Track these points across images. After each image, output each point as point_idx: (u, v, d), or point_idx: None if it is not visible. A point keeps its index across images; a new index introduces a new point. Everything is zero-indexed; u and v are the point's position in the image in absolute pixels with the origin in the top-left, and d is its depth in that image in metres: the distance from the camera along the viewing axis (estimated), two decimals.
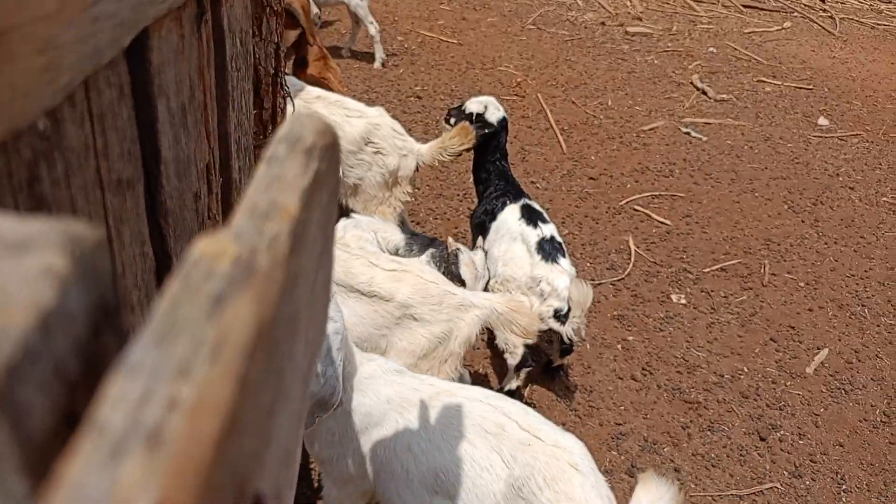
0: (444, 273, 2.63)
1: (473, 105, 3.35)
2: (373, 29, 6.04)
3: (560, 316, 2.81)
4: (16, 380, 0.22)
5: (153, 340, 0.24)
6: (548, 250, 2.90)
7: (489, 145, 3.29)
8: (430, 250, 2.85)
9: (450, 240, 2.90)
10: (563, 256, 2.93)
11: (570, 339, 2.79)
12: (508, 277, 2.89)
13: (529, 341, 2.81)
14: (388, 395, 1.83)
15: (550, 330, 2.92)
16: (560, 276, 2.83)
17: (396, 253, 2.84)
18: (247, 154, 0.68)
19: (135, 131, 0.46)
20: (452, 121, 3.41)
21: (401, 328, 2.29)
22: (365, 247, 2.53)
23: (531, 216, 3.04)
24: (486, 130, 3.25)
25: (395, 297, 2.27)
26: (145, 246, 0.50)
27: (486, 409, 1.83)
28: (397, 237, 2.86)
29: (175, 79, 0.49)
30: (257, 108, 0.73)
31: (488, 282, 2.99)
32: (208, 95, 0.57)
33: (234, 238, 0.29)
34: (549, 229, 2.99)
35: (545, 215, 3.13)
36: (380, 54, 6.16)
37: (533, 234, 2.94)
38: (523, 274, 2.85)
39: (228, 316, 0.26)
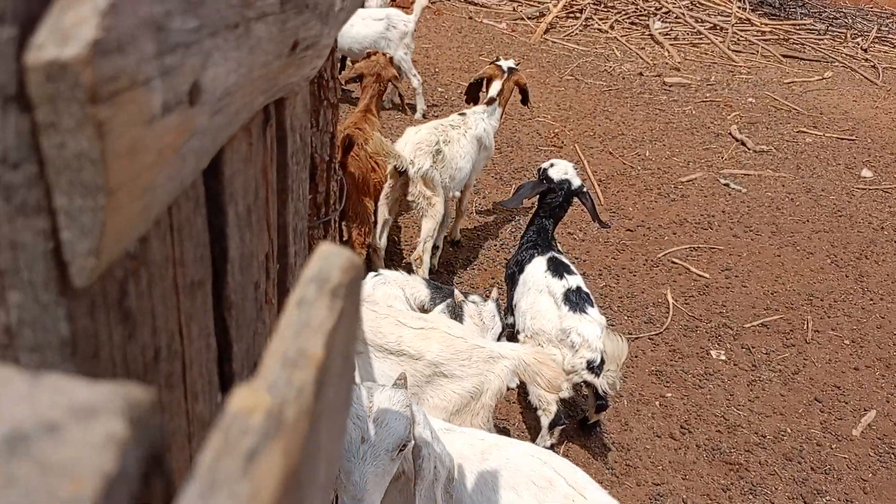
0: None
1: (546, 163, 3.56)
2: (415, 81, 6.20)
3: (594, 367, 2.78)
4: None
5: (198, 496, 0.27)
6: (575, 301, 2.90)
7: (544, 202, 3.39)
8: (447, 300, 2.88)
9: (456, 292, 2.91)
10: (592, 306, 2.92)
11: (604, 393, 2.76)
12: (538, 331, 2.89)
13: (557, 396, 2.80)
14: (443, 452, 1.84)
15: (585, 384, 2.90)
16: (590, 326, 2.82)
17: (423, 308, 2.87)
18: (302, 238, 0.72)
19: (206, 237, 0.50)
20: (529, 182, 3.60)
21: (432, 386, 2.30)
22: (393, 304, 2.56)
23: (557, 268, 3.05)
24: (545, 189, 3.39)
25: (425, 356, 2.29)
26: (210, 338, 0.54)
27: (536, 463, 1.85)
28: (423, 292, 2.90)
29: (243, 184, 0.54)
30: (312, 192, 0.77)
31: (502, 333, 2.99)
32: (270, 191, 0.61)
33: (266, 390, 0.32)
34: (575, 280, 3.00)
35: (572, 267, 3.13)
36: (421, 105, 6.30)
37: (559, 286, 2.94)
38: (552, 327, 2.84)
39: (260, 470, 0.29)
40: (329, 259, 0.41)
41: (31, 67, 0.29)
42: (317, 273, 0.40)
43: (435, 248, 3.90)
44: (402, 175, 3.61)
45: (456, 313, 2.83)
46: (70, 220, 0.32)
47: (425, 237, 3.69)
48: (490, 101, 4.24)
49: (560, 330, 2.81)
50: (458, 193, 4.16)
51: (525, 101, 4.50)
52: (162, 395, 0.47)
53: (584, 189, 3.43)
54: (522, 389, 3.34)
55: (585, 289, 3.03)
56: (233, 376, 0.61)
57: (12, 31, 0.30)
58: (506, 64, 4.43)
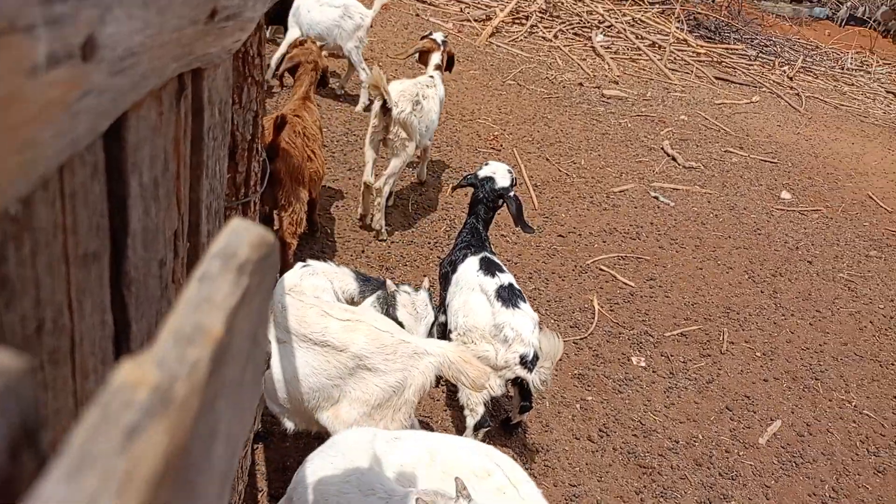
0: (385, 315, 2.64)
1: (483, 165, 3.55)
2: (363, 74, 6.13)
3: (526, 362, 2.80)
4: None
5: (65, 474, 0.25)
6: (507, 297, 2.92)
7: (473, 201, 3.39)
8: (378, 293, 2.86)
9: (388, 282, 2.90)
10: (524, 302, 2.95)
11: (536, 389, 2.77)
12: (470, 327, 2.89)
13: (484, 397, 2.82)
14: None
15: (511, 383, 2.91)
16: (523, 320, 2.84)
17: (352, 300, 2.84)
18: (217, 217, 0.69)
19: (105, 206, 0.47)
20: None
21: (354, 378, 2.28)
22: (320, 296, 2.52)
23: (489, 267, 3.07)
24: (468, 184, 3.39)
25: (349, 348, 2.26)
26: (105, 314, 0.51)
27: (481, 457, 1.92)
28: (352, 285, 2.86)
29: (150, 154, 0.51)
30: (231, 171, 0.74)
31: (434, 321, 2.99)
32: (181, 165, 0.58)
33: (156, 365, 0.30)
34: (507, 278, 3.02)
35: (503, 266, 3.16)
36: (363, 98, 6.23)
37: (491, 283, 2.96)
38: (485, 323, 2.85)
39: (140, 448, 0.27)
40: (238, 234, 0.39)
41: None
42: (223, 248, 0.38)
43: (390, 195, 4.57)
44: (385, 115, 4.20)
45: (388, 304, 2.81)
46: None
47: (392, 171, 4.36)
48: (437, 68, 4.91)
49: (493, 325, 2.82)
50: (428, 142, 4.80)
51: (450, 68, 5.21)
52: (45, 370, 0.43)
53: (512, 192, 3.42)
54: (450, 388, 3.35)
55: (517, 286, 3.06)
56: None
57: None
58: (439, 37, 5.14)
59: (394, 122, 4.21)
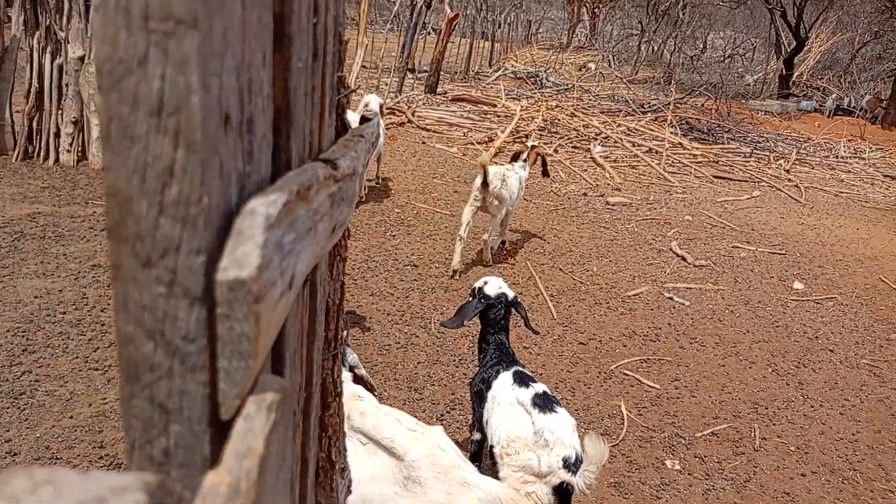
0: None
1: (480, 282, 3.66)
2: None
3: (569, 465, 2.82)
4: None
5: None
6: (543, 403, 3.01)
7: (488, 318, 3.52)
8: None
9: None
10: (560, 406, 3.04)
11: (581, 491, 2.79)
12: (513, 438, 2.96)
13: (540, 473, 2.85)
14: None
15: (554, 492, 2.92)
16: (561, 423, 2.91)
17: None
18: (319, 370, 0.86)
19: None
20: (470, 300, 3.66)
21: (406, 490, 2.36)
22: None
23: (522, 379, 3.19)
24: (486, 306, 3.50)
25: (408, 456, 2.37)
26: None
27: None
28: None
29: (293, 334, 0.70)
30: (325, 330, 0.92)
31: (491, 450, 3.07)
32: (304, 335, 0.76)
33: (227, 472, 0.47)
34: (540, 387, 3.13)
35: (535, 378, 3.28)
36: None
37: (526, 394, 3.07)
38: (526, 432, 2.93)
39: None
40: (262, 384, 0.57)
41: (220, 282, 0.45)
42: (256, 395, 0.55)
43: (494, 243, 6.46)
44: (484, 188, 6.00)
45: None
46: (227, 376, 0.48)
47: (493, 228, 6.29)
48: (517, 158, 6.85)
49: (533, 433, 2.90)
50: (511, 209, 6.43)
51: (545, 173, 7.11)
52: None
53: (518, 299, 3.62)
54: None
55: (551, 393, 3.16)
56: None
57: (203, 259, 0.46)
58: (530, 143, 7.71)
59: (489, 195, 6.06)
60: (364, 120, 6.60)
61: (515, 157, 6.86)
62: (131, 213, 0.45)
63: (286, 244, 0.51)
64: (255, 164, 0.55)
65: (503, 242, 6.85)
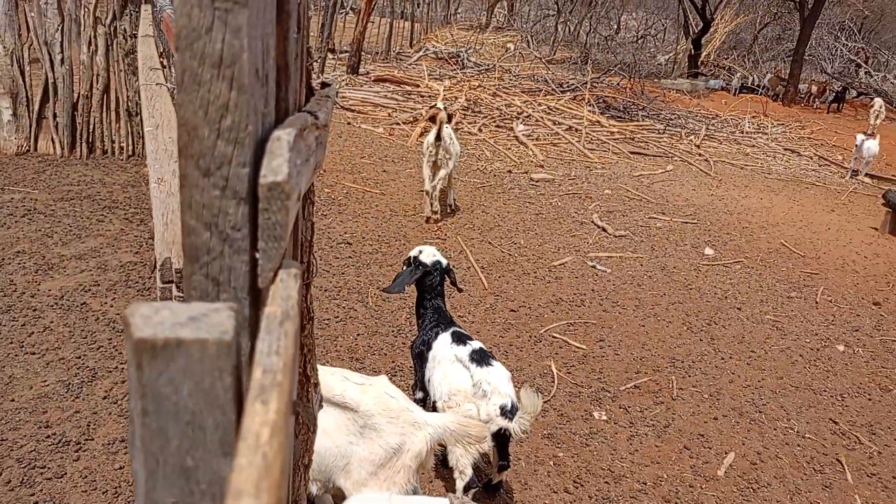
0: None
1: (414, 251, 3.81)
2: None
3: (506, 412, 3.07)
4: (241, 338, 0.56)
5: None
6: (479, 358, 3.24)
7: (425, 284, 3.69)
8: None
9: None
10: (495, 360, 3.27)
11: (517, 435, 3.03)
12: (453, 392, 3.17)
13: (472, 459, 3.08)
14: None
15: (494, 437, 3.14)
16: (497, 375, 3.15)
17: None
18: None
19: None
20: (404, 268, 3.80)
21: (363, 438, 2.56)
22: None
23: (460, 338, 3.41)
24: (424, 273, 3.67)
25: (360, 407, 2.56)
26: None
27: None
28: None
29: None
30: (301, 262, 1.08)
31: (434, 406, 3.28)
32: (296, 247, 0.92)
33: (278, 307, 0.64)
34: (477, 344, 3.36)
35: (472, 336, 3.50)
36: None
37: (464, 350, 3.29)
38: (465, 385, 3.15)
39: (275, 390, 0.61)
40: (289, 264, 0.73)
41: (262, 185, 0.60)
42: (286, 268, 0.71)
43: (434, 191, 7.07)
44: (437, 143, 6.87)
45: None
46: (265, 254, 0.63)
47: (441, 177, 7.01)
48: (434, 120, 7.26)
49: (472, 385, 3.12)
50: (451, 165, 7.11)
51: (450, 121, 7.42)
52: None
53: (451, 266, 3.83)
54: (440, 453, 3.59)
55: (487, 349, 3.39)
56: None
57: (248, 170, 0.61)
58: (440, 104, 8.19)
59: (442, 149, 6.87)
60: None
61: (433, 119, 7.35)
62: (197, 137, 0.59)
63: (297, 165, 0.67)
64: (269, 109, 0.70)
65: (455, 209, 7.65)
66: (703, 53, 24.60)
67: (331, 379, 2.61)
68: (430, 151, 6.89)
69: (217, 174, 0.60)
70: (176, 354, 0.50)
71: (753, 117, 17.56)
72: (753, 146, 14.38)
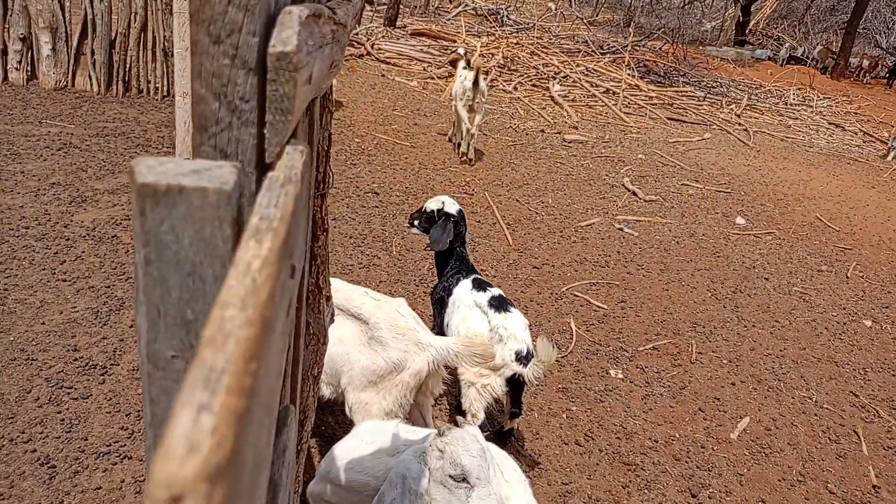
0: None
1: (433, 203, 3.77)
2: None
3: (521, 358, 3.08)
4: (243, 199, 0.56)
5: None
6: (498, 304, 3.26)
7: (454, 235, 3.70)
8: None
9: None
10: (513, 306, 3.29)
11: (530, 381, 3.05)
12: (471, 335, 3.21)
13: (485, 403, 3.11)
14: None
15: (508, 383, 3.16)
16: (514, 321, 3.16)
17: None
18: (312, 198, 1.04)
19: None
20: (416, 223, 3.78)
21: (369, 348, 2.64)
22: None
23: (481, 285, 3.42)
24: (454, 223, 3.64)
25: (370, 319, 2.65)
26: None
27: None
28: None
29: (303, 127, 0.87)
30: (316, 172, 1.08)
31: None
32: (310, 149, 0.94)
33: (280, 172, 0.64)
34: (496, 291, 3.37)
35: (492, 284, 3.51)
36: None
37: (483, 297, 3.31)
38: (483, 330, 3.17)
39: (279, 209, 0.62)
40: (295, 143, 0.74)
41: (271, 54, 0.61)
42: (293, 144, 0.72)
43: (472, 136, 7.45)
44: (475, 87, 7.19)
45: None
46: (272, 127, 0.64)
47: (478, 124, 7.39)
48: (456, 64, 8.18)
49: (489, 330, 3.15)
50: (483, 111, 7.51)
51: (468, 65, 7.87)
52: None
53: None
54: (454, 396, 3.65)
55: (505, 297, 3.40)
56: None
57: (257, 39, 0.62)
58: (461, 49, 8.99)
59: (479, 92, 7.21)
60: None
61: (454, 63, 8.25)
62: (208, 2, 0.59)
63: (308, 45, 0.67)
64: None
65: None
66: (752, 21, 23.82)
67: (354, 292, 2.71)
68: (468, 96, 7.23)
69: (227, 42, 0.60)
70: (178, 201, 0.51)
71: (799, 89, 17.04)
72: (796, 118, 13.99)
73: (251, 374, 0.41)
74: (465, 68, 7.79)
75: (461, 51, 8.73)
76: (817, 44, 23.88)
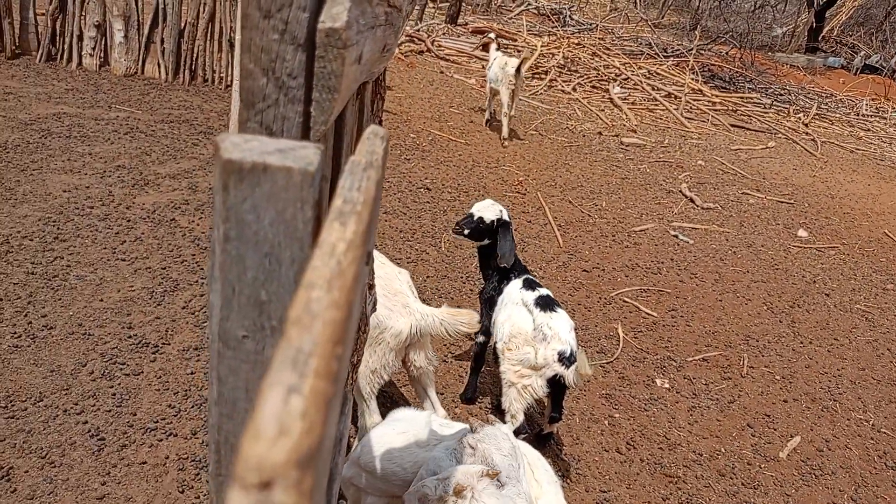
0: None
1: (487, 213, 3.54)
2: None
3: (564, 359, 3.00)
4: (320, 173, 0.56)
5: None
6: (544, 304, 3.22)
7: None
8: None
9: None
10: (560, 307, 3.23)
11: (572, 385, 2.97)
12: (514, 334, 3.17)
13: (524, 405, 3.08)
14: None
15: (549, 384, 3.07)
16: (560, 321, 3.10)
17: None
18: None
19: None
20: (466, 231, 3.54)
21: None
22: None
23: (531, 284, 3.39)
24: (511, 229, 3.47)
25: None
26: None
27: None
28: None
29: (352, 110, 0.87)
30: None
31: (494, 348, 3.30)
32: (357, 133, 0.94)
33: (362, 157, 0.63)
34: (545, 291, 3.33)
35: (541, 285, 3.47)
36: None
37: (531, 296, 3.27)
38: (527, 328, 3.13)
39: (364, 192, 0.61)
40: (374, 128, 0.73)
41: (320, 30, 0.60)
42: (373, 129, 0.72)
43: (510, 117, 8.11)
44: (517, 75, 7.77)
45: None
46: (318, 105, 0.64)
47: (515, 104, 8.06)
48: (488, 48, 9.00)
49: (533, 329, 3.11)
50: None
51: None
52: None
53: None
54: (494, 397, 3.62)
55: (554, 297, 3.36)
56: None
57: (307, 15, 0.62)
58: (492, 34, 9.87)
59: (520, 79, 7.88)
60: None
61: (486, 48, 9.43)
62: None
63: (359, 24, 0.66)
64: None
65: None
66: (826, 28, 22.97)
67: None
68: (511, 80, 7.79)
69: (277, 16, 0.60)
70: (262, 179, 0.51)
71: (873, 100, 16.35)
72: (868, 130, 13.44)
73: (337, 358, 0.40)
74: (497, 50, 8.50)
75: (492, 35, 9.80)
76: (895, 53, 22.85)
